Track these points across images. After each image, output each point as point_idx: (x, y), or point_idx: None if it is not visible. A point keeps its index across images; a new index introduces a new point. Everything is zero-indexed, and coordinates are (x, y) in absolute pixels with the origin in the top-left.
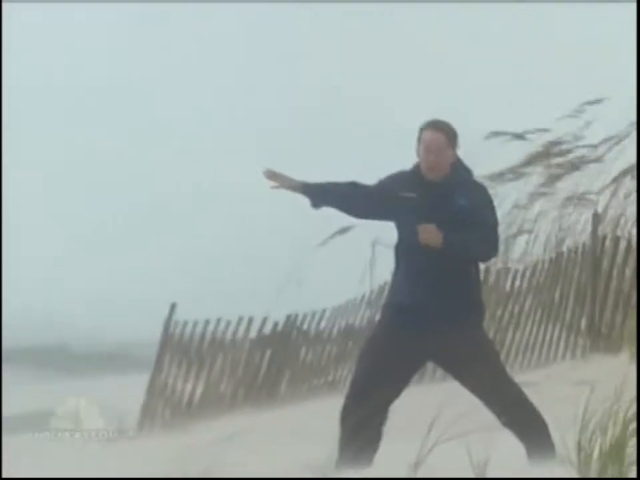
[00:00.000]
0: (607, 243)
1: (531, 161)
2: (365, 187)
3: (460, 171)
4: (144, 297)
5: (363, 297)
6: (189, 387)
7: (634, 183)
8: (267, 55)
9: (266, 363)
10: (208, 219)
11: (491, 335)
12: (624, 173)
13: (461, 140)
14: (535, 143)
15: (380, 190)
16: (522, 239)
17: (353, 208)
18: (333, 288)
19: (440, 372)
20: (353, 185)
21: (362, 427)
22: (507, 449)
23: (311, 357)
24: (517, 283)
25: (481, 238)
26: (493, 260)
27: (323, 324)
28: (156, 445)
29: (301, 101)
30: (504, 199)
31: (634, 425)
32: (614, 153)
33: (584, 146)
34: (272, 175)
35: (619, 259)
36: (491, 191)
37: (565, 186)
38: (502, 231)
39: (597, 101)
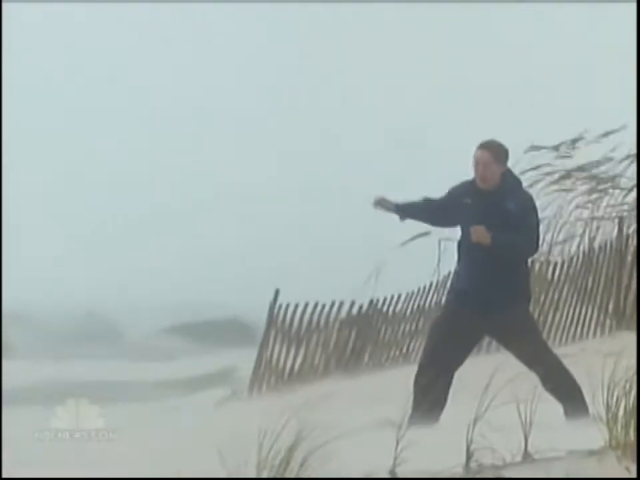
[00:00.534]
0: (630, 241)
1: (568, 173)
2: (435, 201)
3: (509, 180)
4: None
5: (431, 284)
6: (289, 359)
7: None
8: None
9: (352, 339)
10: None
11: (535, 316)
12: None
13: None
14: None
15: (445, 199)
16: (561, 238)
17: (428, 218)
18: (408, 277)
19: (494, 344)
20: (427, 201)
21: (431, 390)
22: (549, 410)
23: (389, 334)
24: (557, 273)
25: (525, 238)
26: (537, 255)
27: (398, 306)
28: (264, 403)
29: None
30: (547, 205)
31: None
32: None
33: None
34: (381, 201)
35: None
36: (535, 199)
37: (596, 195)
38: (544, 231)
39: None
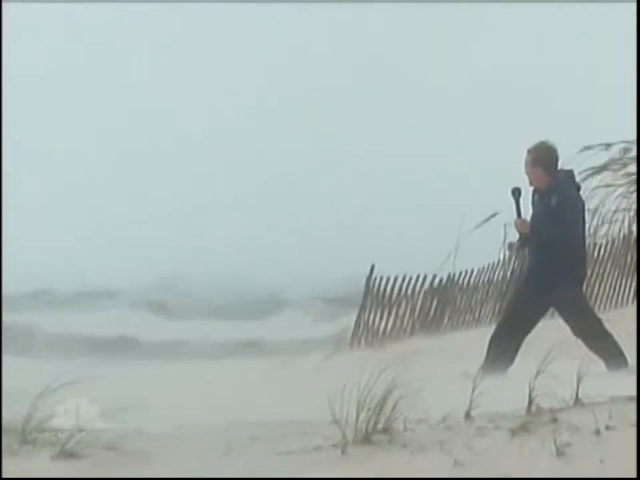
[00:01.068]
0: None
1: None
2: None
3: (559, 178)
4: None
5: (498, 260)
6: (382, 321)
7: None
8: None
9: (434, 305)
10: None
11: (584, 288)
12: None
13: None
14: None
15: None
16: (605, 224)
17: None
18: (479, 255)
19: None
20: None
21: (504, 349)
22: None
23: (464, 302)
24: (601, 252)
25: (566, 230)
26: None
27: (471, 279)
28: (362, 357)
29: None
30: (592, 197)
31: None
32: None
33: None
34: (522, 223)
35: None
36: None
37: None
38: (590, 218)
39: None
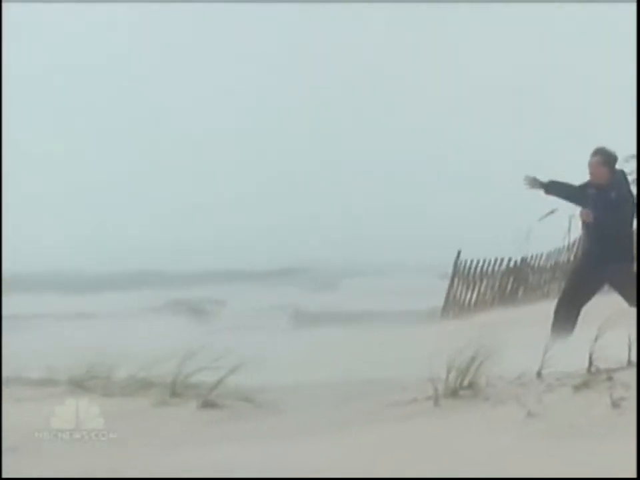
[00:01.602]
0: None
1: None
2: (573, 187)
3: (617, 176)
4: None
5: (563, 246)
6: (467, 296)
7: None
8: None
9: (510, 283)
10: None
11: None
12: None
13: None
14: None
15: (581, 187)
16: None
17: (567, 197)
18: (547, 241)
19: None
20: (568, 185)
21: (566, 317)
22: None
23: (535, 280)
24: None
25: (622, 219)
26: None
27: (541, 262)
28: (452, 326)
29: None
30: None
31: None
32: None
33: None
34: (531, 180)
35: None
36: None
37: None
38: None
39: None
